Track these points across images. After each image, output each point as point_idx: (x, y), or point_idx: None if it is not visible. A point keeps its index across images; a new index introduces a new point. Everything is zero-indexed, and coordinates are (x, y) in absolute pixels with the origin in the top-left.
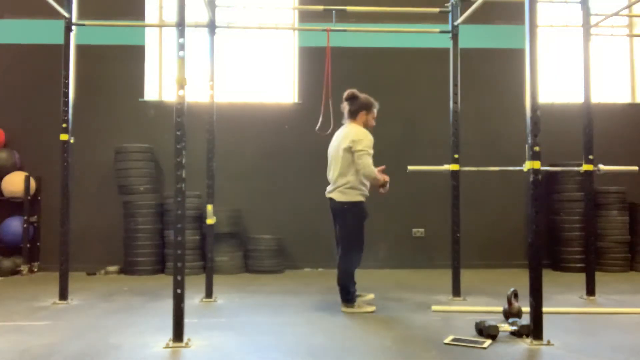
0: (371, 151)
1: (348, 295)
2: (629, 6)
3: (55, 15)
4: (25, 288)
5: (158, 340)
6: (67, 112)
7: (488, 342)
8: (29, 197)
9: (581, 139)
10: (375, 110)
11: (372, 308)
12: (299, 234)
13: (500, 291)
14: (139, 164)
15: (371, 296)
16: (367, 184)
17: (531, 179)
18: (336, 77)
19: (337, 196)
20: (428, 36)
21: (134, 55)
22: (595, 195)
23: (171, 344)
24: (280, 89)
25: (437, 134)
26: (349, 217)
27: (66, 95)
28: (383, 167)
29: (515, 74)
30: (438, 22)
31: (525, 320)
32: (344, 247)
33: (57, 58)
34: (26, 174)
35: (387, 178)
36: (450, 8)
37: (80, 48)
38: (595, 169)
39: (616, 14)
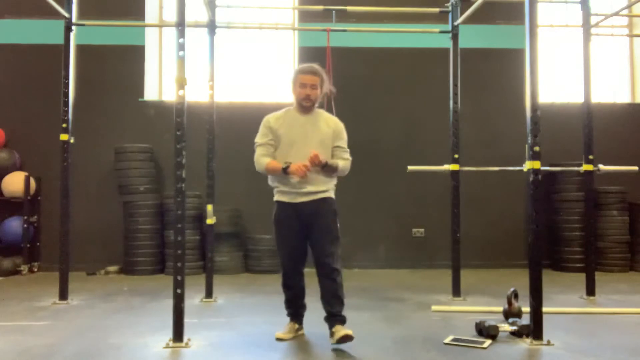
0: (261, 140)
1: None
2: (629, 6)
3: (55, 15)
4: (25, 288)
5: (158, 340)
6: (67, 112)
7: (488, 342)
8: (29, 197)
9: (581, 139)
10: (298, 77)
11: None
12: None
13: (500, 291)
14: (139, 164)
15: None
16: (284, 179)
17: (531, 179)
18: (336, 77)
19: None
20: (428, 36)
21: (134, 55)
22: (595, 195)
23: (171, 344)
24: (280, 89)
25: (437, 134)
26: None
27: (66, 95)
28: (313, 152)
29: (515, 74)
30: (438, 22)
31: (525, 320)
32: None
33: (57, 58)
34: (26, 174)
35: (301, 165)
36: (450, 8)
37: (80, 48)
38: (595, 169)
39: (616, 14)
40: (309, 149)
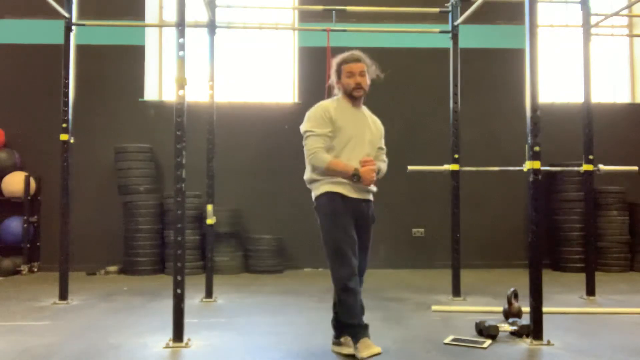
0: (320, 130)
1: (334, 323)
2: (629, 6)
3: (55, 15)
4: (25, 288)
5: (158, 340)
6: (67, 112)
7: (488, 342)
8: (29, 197)
9: (581, 139)
10: (342, 68)
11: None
12: (299, 234)
13: (500, 291)
14: (139, 164)
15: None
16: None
17: (531, 179)
18: None
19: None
20: (428, 36)
21: (134, 55)
22: (595, 195)
23: (171, 344)
24: (280, 89)
25: (437, 134)
26: (318, 217)
27: (66, 95)
28: (367, 158)
29: (515, 74)
30: (438, 22)
31: (525, 320)
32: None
33: (57, 58)
34: (26, 174)
35: (366, 168)
36: (450, 8)
37: (80, 48)
38: (595, 169)
39: (616, 14)
40: (362, 147)
